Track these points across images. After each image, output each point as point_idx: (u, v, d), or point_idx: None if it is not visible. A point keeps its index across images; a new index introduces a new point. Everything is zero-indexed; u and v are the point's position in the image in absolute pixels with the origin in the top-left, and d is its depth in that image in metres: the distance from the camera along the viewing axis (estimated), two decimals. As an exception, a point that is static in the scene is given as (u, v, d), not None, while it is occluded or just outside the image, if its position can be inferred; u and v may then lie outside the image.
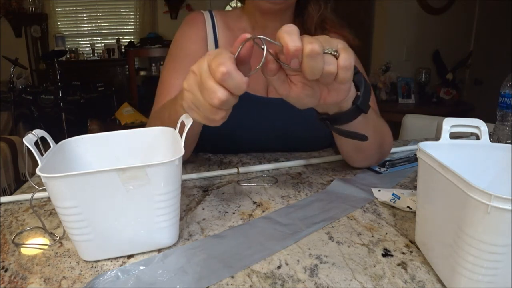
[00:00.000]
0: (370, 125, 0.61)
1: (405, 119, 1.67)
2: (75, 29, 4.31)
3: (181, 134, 0.46)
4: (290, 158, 0.78)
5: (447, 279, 0.38)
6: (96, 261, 0.43)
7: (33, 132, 0.43)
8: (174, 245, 0.46)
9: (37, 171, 0.39)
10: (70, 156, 0.48)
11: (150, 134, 0.53)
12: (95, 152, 0.51)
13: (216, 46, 0.81)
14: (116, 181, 0.39)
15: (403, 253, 0.45)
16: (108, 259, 0.43)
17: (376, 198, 0.59)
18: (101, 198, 0.40)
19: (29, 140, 0.41)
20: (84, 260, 0.43)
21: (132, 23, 4.31)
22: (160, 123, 0.61)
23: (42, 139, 0.45)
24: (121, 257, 0.44)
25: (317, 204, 0.57)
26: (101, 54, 4.25)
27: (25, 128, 3.24)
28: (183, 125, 0.47)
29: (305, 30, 0.83)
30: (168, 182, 0.42)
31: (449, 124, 0.45)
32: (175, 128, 0.52)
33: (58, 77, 3.40)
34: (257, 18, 0.80)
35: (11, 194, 0.59)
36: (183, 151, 0.43)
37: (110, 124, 3.46)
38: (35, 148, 0.41)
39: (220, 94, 0.42)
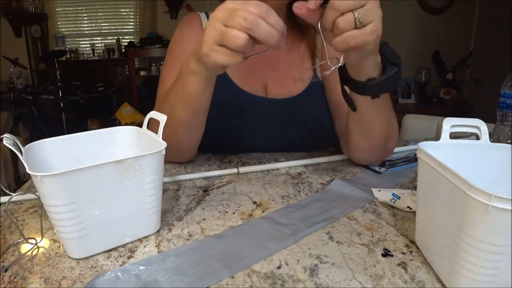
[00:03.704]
0: (381, 112, 0.63)
1: (405, 119, 1.67)
2: (75, 29, 4.30)
3: (156, 131, 0.50)
4: (290, 158, 0.78)
5: (447, 279, 0.38)
6: (96, 261, 0.43)
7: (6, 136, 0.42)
8: (170, 241, 0.46)
9: (30, 171, 0.39)
10: (37, 160, 0.47)
11: (112, 134, 0.56)
12: (59, 155, 0.51)
13: None
14: (112, 173, 0.42)
15: (403, 253, 0.45)
16: (108, 259, 0.44)
17: (376, 198, 0.59)
18: (97, 192, 0.42)
19: (10, 143, 0.42)
20: (83, 260, 0.43)
21: (132, 23, 4.31)
22: (169, 110, 0.61)
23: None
24: (121, 257, 0.44)
25: (317, 204, 0.57)
26: (101, 54, 4.25)
27: (25, 128, 3.23)
28: (155, 122, 0.51)
29: (299, 26, 0.83)
30: (156, 171, 0.46)
31: (449, 124, 0.45)
32: (185, 105, 0.60)
33: (58, 77, 3.40)
34: None
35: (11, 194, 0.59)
36: (164, 143, 0.47)
37: (110, 124, 3.44)
38: (18, 151, 0.42)
39: (252, 16, 0.44)
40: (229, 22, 0.46)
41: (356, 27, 0.45)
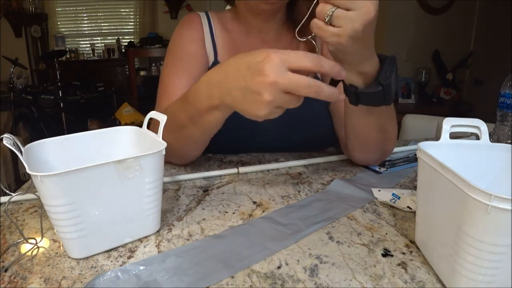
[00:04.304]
0: (372, 116, 0.62)
1: (405, 119, 1.67)
2: (75, 29, 4.30)
3: (156, 131, 0.50)
4: (290, 158, 0.78)
5: (447, 279, 0.38)
6: (96, 261, 0.43)
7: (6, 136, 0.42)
8: (170, 241, 0.46)
9: (30, 171, 0.39)
10: (37, 160, 0.47)
11: (112, 134, 0.55)
12: (59, 155, 0.51)
13: (214, 47, 0.81)
14: (112, 173, 0.42)
15: (403, 253, 0.45)
16: (108, 259, 0.44)
17: (376, 198, 0.59)
18: (97, 192, 0.42)
19: (10, 143, 0.41)
20: (83, 260, 0.43)
21: (132, 23, 4.31)
22: (178, 124, 0.61)
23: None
24: (121, 257, 0.44)
25: (317, 204, 0.57)
26: (101, 54, 4.25)
27: (25, 128, 3.23)
28: (155, 122, 0.51)
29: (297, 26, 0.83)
30: (156, 171, 0.46)
31: (449, 124, 0.45)
32: (201, 129, 0.60)
33: (58, 77, 3.40)
34: (251, 21, 0.80)
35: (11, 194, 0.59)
36: (164, 142, 0.47)
37: (110, 124, 3.44)
38: (18, 151, 0.42)
39: (314, 84, 0.45)
40: (294, 91, 0.45)
41: (324, 20, 0.46)
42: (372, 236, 0.48)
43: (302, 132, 0.83)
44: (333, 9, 0.45)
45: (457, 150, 0.45)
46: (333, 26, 0.46)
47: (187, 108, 0.60)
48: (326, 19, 0.45)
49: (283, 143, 0.83)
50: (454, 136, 0.45)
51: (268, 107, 0.47)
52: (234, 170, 0.70)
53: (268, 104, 0.46)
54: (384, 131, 0.65)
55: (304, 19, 0.51)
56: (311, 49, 0.84)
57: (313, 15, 0.48)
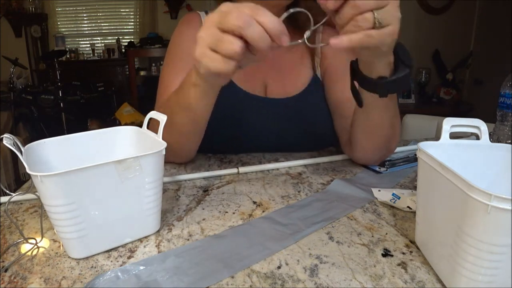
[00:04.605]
0: (388, 112, 0.62)
1: (405, 119, 1.67)
2: (75, 29, 4.30)
3: (156, 131, 0.50)
4: (290, 158, 0.78)
5: (447, 279, 0.38)
6: (96, 261, 0.43)
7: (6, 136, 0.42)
8: (170, 241, 0.46)
9: (30, 171, 0.39)
10: (37, 160, 0.47)
11: (112, 134, 0.56)
12: (59, 155, 0.51)
13: None
14: (112, 173, 0.42)
15: (403, 253, 0.45)
16: (108, 259, 0.44)
17: (376, 198, 0.59)
18: (97, 192, 0.42)
19: (10, 143, 0.41)
20: (83, 260, 0.43)
21: (132, 23, 4.31)
22: (169, 113, 0.61)
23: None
24: (121, 257, 0.44)
25: (317, 204, 0.57)
26: (101, 54, 4.25)
27: (25, 128, 3.24)
28: (155, 122, 0.51)
29: (298, 26, 0.83)
30: (156, 171, 0.46)
31: (449, 124, 0.45)
32: (188, 115, 0.60)
33: (58, 77, 3.40)
34: None
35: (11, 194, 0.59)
36: (164, 142, 0.47)
37: (110, 124, 3.43)
38: (18, 151, 0.42)
39: (245, 16, 0.44)
40: (223, 24, 0.45)
41: (374, 27, 0.45)
42: (372, 236, 0.49)
43: (303, 131, 0.82)
44: (376, 13, 0.44)
45: (457, 150, 0.45)
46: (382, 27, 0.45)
47: (178, 94, 0.62)
48: (378, 24, 0.44)
49: (283, 143, 0.83)
50: (454, 136, 0.45)
51: (202, 46, 0.47)
52: (234, 170, 0.70)
53: (202, 42, 0.47)
54: (394, 128, 0.66)
55: (312, 29, 0.51)
56: (312, 51, 0.85)
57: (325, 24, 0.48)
